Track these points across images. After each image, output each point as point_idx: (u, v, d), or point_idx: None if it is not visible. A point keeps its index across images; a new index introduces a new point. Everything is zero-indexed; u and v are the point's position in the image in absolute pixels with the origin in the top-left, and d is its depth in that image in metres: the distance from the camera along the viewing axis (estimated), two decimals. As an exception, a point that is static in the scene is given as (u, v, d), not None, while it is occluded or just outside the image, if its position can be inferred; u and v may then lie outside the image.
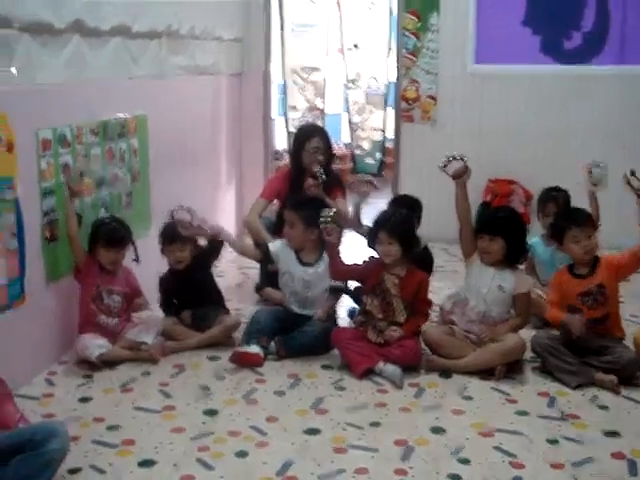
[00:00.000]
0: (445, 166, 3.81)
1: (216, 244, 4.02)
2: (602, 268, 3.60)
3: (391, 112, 6.23)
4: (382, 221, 3.80)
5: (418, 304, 3.78)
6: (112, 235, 3.77)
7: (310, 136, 4.71)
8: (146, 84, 4.56)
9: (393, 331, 3.66)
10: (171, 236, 3.99)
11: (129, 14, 4.25)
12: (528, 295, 3.74)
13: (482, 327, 3.65)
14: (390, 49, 6.11)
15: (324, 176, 4.47)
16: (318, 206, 3.92)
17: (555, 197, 4.39)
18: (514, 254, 3.71)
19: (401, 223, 3.78)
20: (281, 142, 7.10)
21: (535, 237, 4.42)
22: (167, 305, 4.09)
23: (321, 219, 3.65)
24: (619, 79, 5.69)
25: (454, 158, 3.80)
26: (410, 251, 3.79)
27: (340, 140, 7.22)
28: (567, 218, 3.70)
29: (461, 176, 3.77)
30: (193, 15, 5.10)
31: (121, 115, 4.22)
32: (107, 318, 3.80)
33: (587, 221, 3.65)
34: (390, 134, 6.31)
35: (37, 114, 3.51)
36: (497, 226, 3.68)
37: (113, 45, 4.14)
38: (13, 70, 3.34)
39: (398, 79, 6.03)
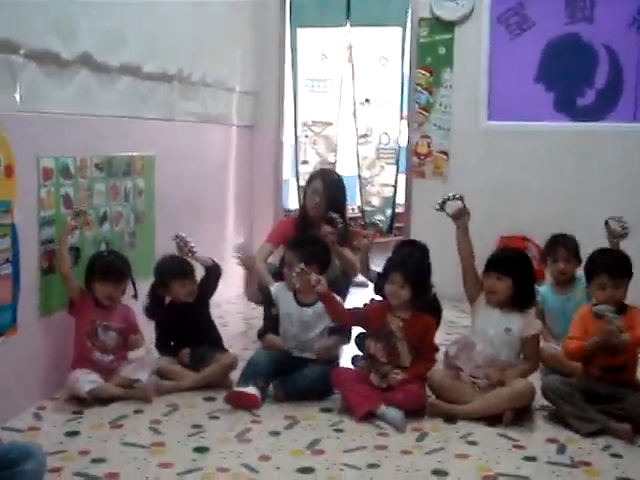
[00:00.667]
0: (442, 207, 3.75)
1: (213, 274, 3.94)
2: (628, 316, 3.41)
3: (402, 169, 6.21)
4: (398, 262, 3.71)
5: (424, 349, 3.63)
6: (108, 268, 3.68)
7: (312, 178, 4.68)
8: (155, 125, 4.55)
9: (396, 374, 3.51)
10: (184, 270, 3.92)
11: (140, 54, 4.27)
12: (537, 338, 3.59)
13: (490, 370, 3.49)
14: (402, 104, 6.11)
15: (340, 223, 4.36)
16: (315, 244, 3.86)
17: (565, 242, 4.25)
18: (522, 297, 3.57)
19: (417, 268, 3.67)
20: (293, 202, 7.06)
21: (544, 286, 4.28)
22: (163, 345, 3.97)
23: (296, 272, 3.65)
24: (633, 136, 5.62)
25: (450, 199, 3.75)
26: (420, 297, 3.67)
27: (355, 202, 7.16)
28: (601, 262, 3.51)
29: (461, 216, 3.69)
30: (205, 63, 5.13)
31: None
32: (102, 355, 3.68)
33: (620, 270, 3.45)
34: (401, 193, 6.27)
35: (40, 142, 3.48)
36: (505, 265, 3.56)
37: (123, 84, 4.15)
38: (17, 97, 3.33)
39: (409, 134, 6.01)
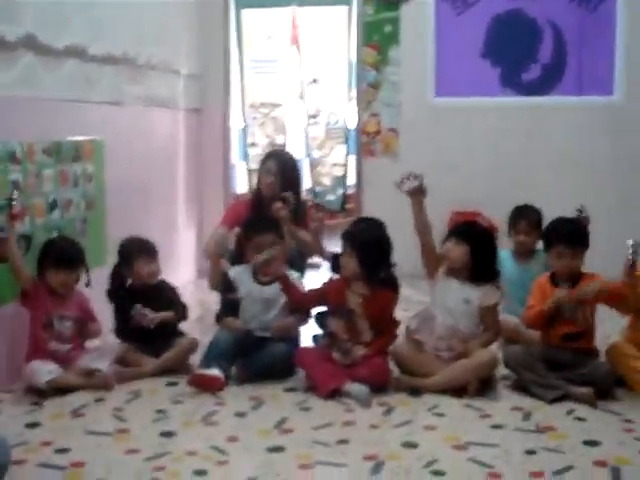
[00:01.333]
0: (400, 186, 3.73)
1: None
2: (585, 283, 3.45)
3: (352, 148, 6.20)
4: (349, 233, 3.76)
5: (384, 324, 3.64)
6: (62, 255, 3.58)
7: (266, 159, 4.63)
8: (103, 109, 4.44)
9: (358, 350, 3.51)
10: (148, 248, 3.88)
11: (85, 36, 4.15)
12: (495, 308, 3.62)
13: (453, 341, 3.51)
14: (350, 83, 6.08)
15: (293, 201, 4.33)
16: (267, 224, 3.91)
17: (528, 215, 4.25)
18: (480, 269, 3.58)
19: (363, 237, 3.70)
20: (242, 186, 6.99)
21: (505, 251, 4.30)
22: (122, 331, 3.87)
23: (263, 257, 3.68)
24: (578, 109, 5.71)
25: (409, 178, 3.73)
26: (373, 270, 3.68)
27: (304, 185, 7.14)
28: (559, 231, 3.54)
29: (416, 194, 3.68)
30: (150, 46, 5.03)
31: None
32: (58, 344, 3.58)
33: (578, 240, 3.49)
34: (351, 172, 6.25)
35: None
36: (465, 232, 3.59)
37: (68, 66, 4.04)
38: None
39: (358, 113, 6.01)
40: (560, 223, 3.61)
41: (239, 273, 3.92)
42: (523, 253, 4.26)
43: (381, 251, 3.79)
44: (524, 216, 4.26)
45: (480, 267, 3.58)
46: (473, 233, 3.62)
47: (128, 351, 3.79)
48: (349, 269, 3.62)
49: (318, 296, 3.77)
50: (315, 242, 4.41)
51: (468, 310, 3.55)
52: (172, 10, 5.41)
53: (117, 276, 3.89)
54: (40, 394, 3.41)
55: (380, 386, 3.45)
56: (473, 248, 3.54)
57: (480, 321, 3.59)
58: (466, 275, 3.58)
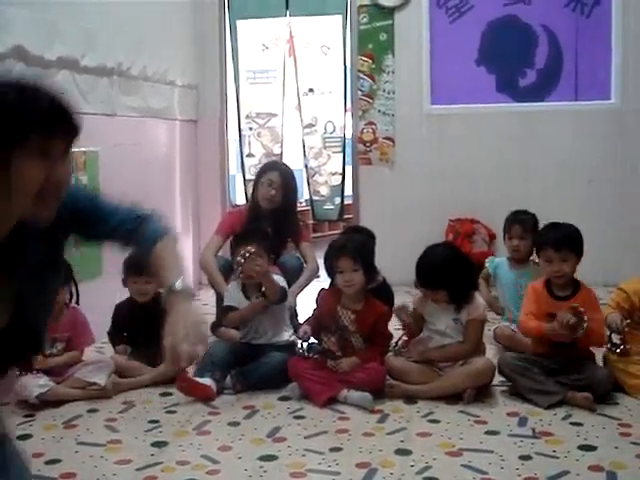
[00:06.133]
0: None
1: None
2: (582, 294, 3.41)
3: (350, 157, 6.17)
4: (341, 246, 3.62)
5: (377, 337, 3.57)
6: None
7: (267, 170, 4.59)
8: (97, 121, 4.42)
9: (352, 361, 3.46)
10: (140, 266, 3.80)
11: (77, 47, 4.15)
12: (478, 321, 3.49)
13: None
14: (346, 92, 6.06)
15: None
16: (260, 236, 3.83)
17: (522, 220, 4.22)
18: (461, 294, 3.47)
19: (362, 247, 3.63)
20: (240, 197, 6.97)
21: (501, 257, 4.32)
22: (115, 335, 3.88)
23: (238, 258, 3.61)
24: (575, 115, 5.69)
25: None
26: (371, 280, 3.65)
27: (302, 196, 7.12)
28: (547, 236, 3.50)
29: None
30: (145, 57, 5.02)
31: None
32: (50, 363, 3.55)
33: (566, 245, 3.40)
34: (349, 182, 6.22)
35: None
36: (434, 282, 3.47)
37: (60, 78, 4.02)
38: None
39: (354, 122, 6.00)
40: (548, 228, 3.56)
41: (231, 290, 3.90)
42: (518, 259, 4.22)
43: (372, 259, 3.75)
44: (518, 221, 4.23)
45: (460, 293, 3.48)
46: (441, 277, 3.45)
47: (126, 361, 3.75)
48: (355, 284, 3.51)
49: (317, 321, 3.67)
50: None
51: (460, 328, 3.49)
52: (167, 21, 5.42)
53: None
54: (33, 406, 3.38)
55: (376, 392, 3.41)
56: (449, 287, 3.45)
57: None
58: (448, 299, 3.50)
